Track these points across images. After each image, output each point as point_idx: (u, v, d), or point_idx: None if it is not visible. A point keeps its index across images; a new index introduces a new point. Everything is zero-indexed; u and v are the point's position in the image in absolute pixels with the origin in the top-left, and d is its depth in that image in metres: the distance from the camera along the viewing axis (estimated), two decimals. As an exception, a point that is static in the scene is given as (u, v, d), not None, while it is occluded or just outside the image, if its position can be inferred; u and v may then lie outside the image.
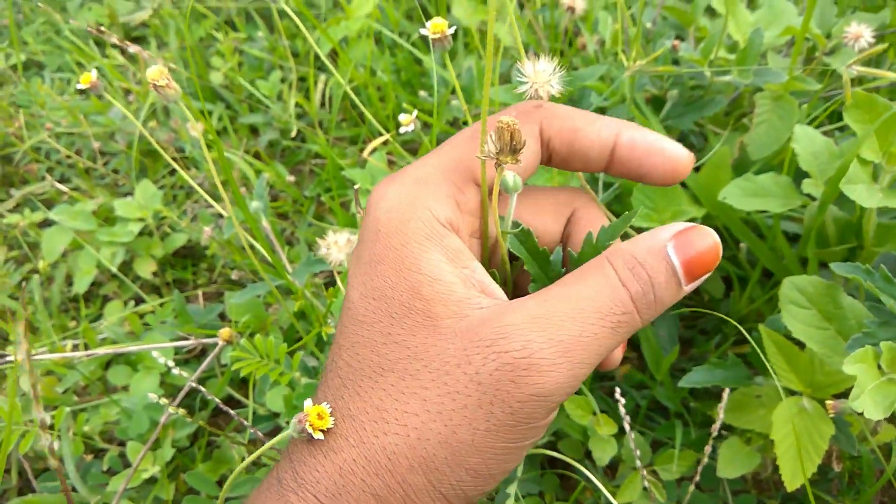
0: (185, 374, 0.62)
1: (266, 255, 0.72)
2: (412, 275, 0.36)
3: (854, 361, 0.48)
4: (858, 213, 0.62)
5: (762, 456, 0.62)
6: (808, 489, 0.53)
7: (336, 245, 0.52)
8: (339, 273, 0.57)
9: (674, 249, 0.34)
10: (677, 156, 0.39)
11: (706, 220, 0.72)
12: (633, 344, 0.78)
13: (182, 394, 0.67)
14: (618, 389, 0.57)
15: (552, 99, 0.43)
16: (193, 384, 0.61)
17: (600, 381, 0.75)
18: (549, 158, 0.42)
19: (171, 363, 0.61)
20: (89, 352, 0.69)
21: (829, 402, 0.55)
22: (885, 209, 0.64)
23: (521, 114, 0.41)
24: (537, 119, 0.40)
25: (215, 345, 0.78)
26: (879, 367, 0.49)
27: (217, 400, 0.59)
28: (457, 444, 0.34)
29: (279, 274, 0.71)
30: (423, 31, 0.43)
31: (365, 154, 0.71)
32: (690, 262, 0.34)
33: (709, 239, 0.35)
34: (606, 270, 0.35)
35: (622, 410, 0.56)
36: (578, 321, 0.33)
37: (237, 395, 0.75)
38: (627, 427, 0.57)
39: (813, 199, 0.60)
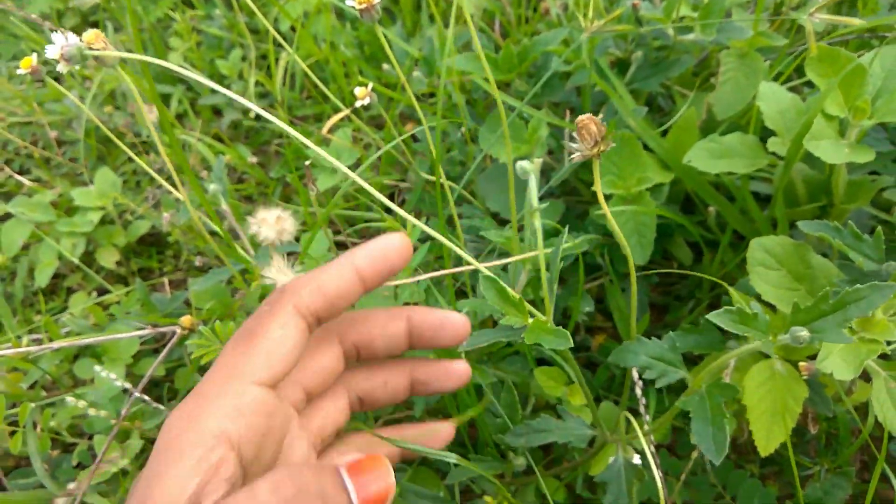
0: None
1: (228, 240, 0.70)
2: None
3: (822, 321, 0.46)
4: (828, 170, 0.60)
5: (738, 420, 0.61)
6: (789, 451, 0.52)
7: (265, 223, 0.50)
8: (290, 255, 0.55)
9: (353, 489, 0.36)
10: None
11: (674, 186, 0.71)
12: (607, 314, 0.77)
13: (145, 379, 0.66)
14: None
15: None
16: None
17: (576, 352, 0.74)
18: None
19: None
20: (46, 346, 0.67)
21: (802, 363, 0.55)
22: (855, 165, 0.63)
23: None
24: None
25: (182, 333, 0.77)
26: (850, 327, 0.48)
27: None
28: None
29: (242, 258, 0.69)
30: (348, 2, 0.42)
31: (324, 131, 0.69)
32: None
33: (385, 481, 0.37)
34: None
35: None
36: None
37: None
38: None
39: (780, 158, 0.58)
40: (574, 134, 0.39)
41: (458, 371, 0.48)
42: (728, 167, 0.59)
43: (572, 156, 0.41)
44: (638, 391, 0.56)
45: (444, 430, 0.50)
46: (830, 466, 0.57)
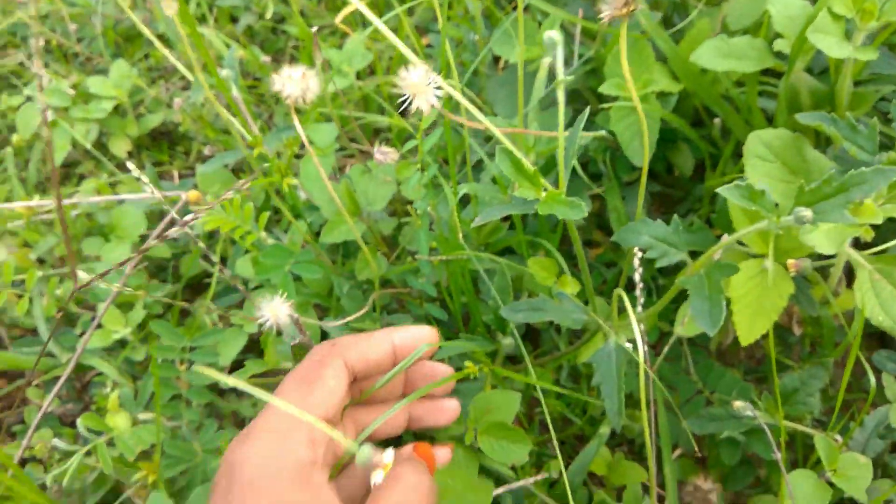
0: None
1: (238, 126, 0.71)
2: None
3: (811, 204, 0.47)
4: (833, 79, 0.61)
5: (725, 322, 0.62)
6: (770, 344, 0.53)
7: (291, 79, 0.50)
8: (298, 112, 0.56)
9: None
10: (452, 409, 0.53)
11: (683, 100, 0.71)
12: (605, 229, 0.78)
13: (161, 226, 0.67)
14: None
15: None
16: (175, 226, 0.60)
17: (572, 261, 0.75)
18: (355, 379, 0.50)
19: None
20: (52, 202, 0.68)
21: (790, 261, 0.55)
22: (860, 80, 0.63)
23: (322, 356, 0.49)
24: (339, 355, 0.48)
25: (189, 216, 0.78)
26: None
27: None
28: None
29: (251, 142, 0.70)
30: None
31: (337, 20, 0.69)
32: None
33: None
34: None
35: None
36: None
37: (212, 270, 0.76)
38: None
39: (785, 58, 0.58)
40: None
41: (450, 409, 0.53)
42: (735, 66, 0.59)
43: (601, 16, 0.42)
44: (636, 268, 0.56)
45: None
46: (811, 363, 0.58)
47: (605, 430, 0.60)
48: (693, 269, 0.50)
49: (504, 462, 0.54)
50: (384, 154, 0.64)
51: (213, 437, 0.58)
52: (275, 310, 0.50)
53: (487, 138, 0.76)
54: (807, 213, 0.42)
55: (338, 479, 0.48)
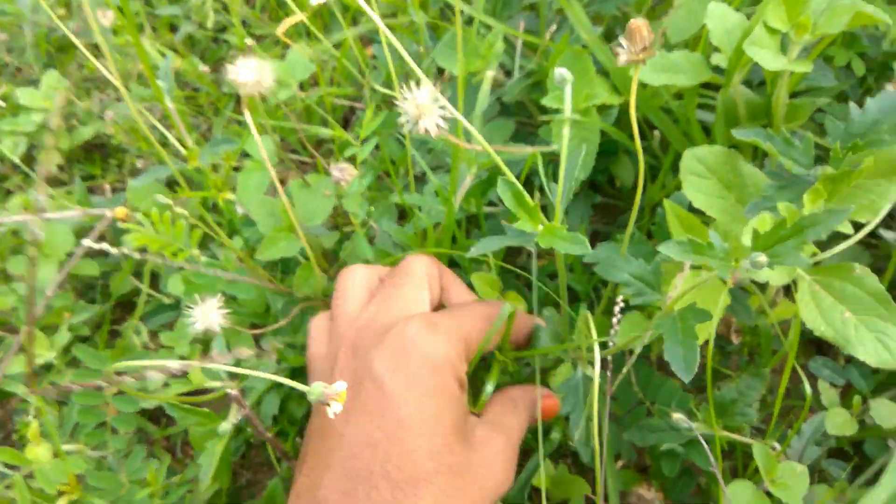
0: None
1: (172, 138, 0.69)
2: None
3: (754, 227, 0.47)
4: (770, 91, 0.61)
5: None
6: (709, 353, 0.53)
7: (246, 67, 0.48)
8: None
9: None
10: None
11: (624, 113, 0.71)
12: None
13: (85, 244, 0.64)
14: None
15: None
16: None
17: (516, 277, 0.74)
18: None
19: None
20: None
21: (728, 273, 0.56)
22: (796, 92, 0.64)
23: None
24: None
25: (117, 231, 0.75)
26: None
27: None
28: None
29: (185, 155, 0.68)
30: None
31: (279, 31, 0.67)
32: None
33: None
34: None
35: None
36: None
37: (149, 291, 0.73)
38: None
39: (722, 71, 0.59)
40: (622, 38, 0.41)
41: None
42: (671, 80, 0.59)
43: (619, 58, 0.42)
44: (617, 309, 0.56)
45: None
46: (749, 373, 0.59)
47: (554, 437, 0.59)
48: (668, 307, 0.50)
49: None
50: (341, 171, 0.63)
51: (141, 467, 0.55)
52: (206, 314, 0.48)
53: (430, 149, 0.75)
54: (762, 258, 0.41)
55: None
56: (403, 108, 0.41)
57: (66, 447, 0.59)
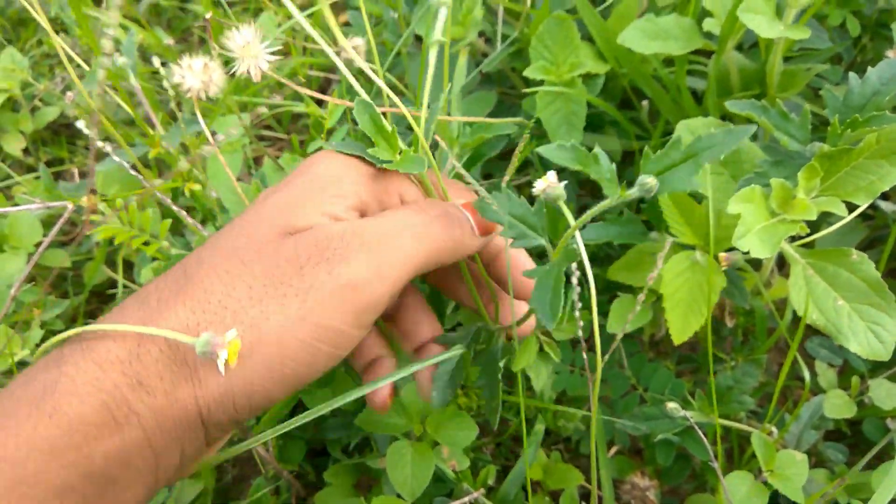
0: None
1: (136, 119, 0.65)
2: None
3: (740, 200, 0.45)
4: (763, 58, 0.58)
5: (657, 315, 0.60)
6: (709, 339, 0.51)
7: (191, 70, 0.45)
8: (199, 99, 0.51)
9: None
10: None
11: (610, 82, 0.68)
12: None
13: (51, 235, 0.61)
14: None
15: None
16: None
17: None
18: None
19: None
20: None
21: (721, 254, 0.53)
22: (790, 56, 0.61)
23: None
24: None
25: (84, 220, 0.72)
26: (773, 212, 0.47)
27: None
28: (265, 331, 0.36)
29: (147, 141, 0.64)
30: None
31: None
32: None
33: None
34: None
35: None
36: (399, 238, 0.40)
37: (122, 280, 0.70)
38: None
39: (713, 37, 0.55)
40: None
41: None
42: (662, 48, 0.56)
43: None
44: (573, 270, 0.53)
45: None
46: (745, 359, 0.57)
47: (539, 428, 0.58)
48: (554, 254, 0.45)
49: (454, 445, 0.52)
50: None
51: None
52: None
53: (409, 126, 0.71)
54: (651, 180, 0.38)
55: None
56: (231, 50, 0.40)
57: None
